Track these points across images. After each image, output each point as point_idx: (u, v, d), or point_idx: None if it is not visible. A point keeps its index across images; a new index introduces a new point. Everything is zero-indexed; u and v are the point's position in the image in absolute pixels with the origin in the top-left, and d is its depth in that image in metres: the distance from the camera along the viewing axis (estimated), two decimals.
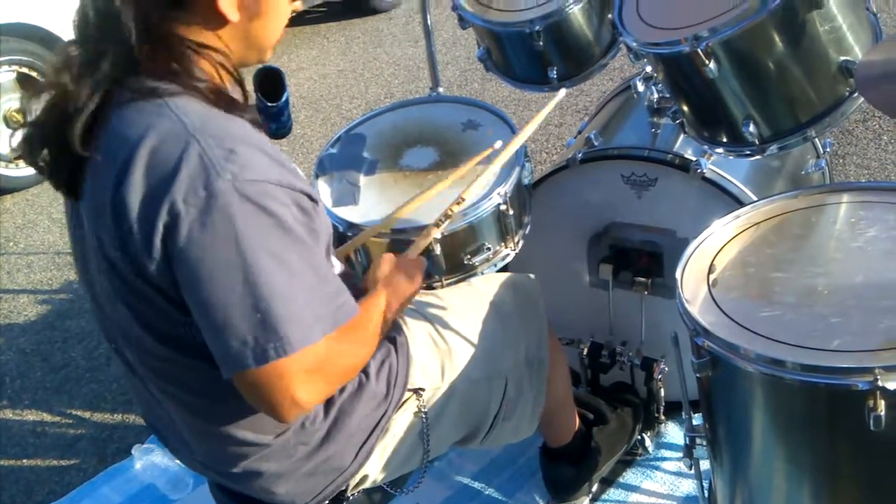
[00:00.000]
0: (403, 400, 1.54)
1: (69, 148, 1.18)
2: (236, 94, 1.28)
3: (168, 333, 1.25)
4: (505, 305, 1.75)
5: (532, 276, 1.90)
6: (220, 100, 1.21)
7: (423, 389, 1.56)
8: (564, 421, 2.05)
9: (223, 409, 1.34)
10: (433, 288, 1.85)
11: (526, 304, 1.81)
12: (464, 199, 1.72)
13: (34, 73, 4.68)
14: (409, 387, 1.54)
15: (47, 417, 2.91)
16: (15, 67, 4.64)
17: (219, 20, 1.22)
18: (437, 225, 1.68)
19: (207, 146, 1.13)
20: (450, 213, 1.70)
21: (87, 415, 2.88)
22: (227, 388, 1.24)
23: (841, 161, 3.50)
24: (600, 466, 2.11)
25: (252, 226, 1.13)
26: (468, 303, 1.73)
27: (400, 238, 1.79)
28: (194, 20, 1.22)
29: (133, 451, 2.51)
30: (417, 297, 1.67)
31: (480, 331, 1.67)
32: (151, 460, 2.44)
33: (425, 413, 1.56)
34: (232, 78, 1.27)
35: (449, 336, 1.64)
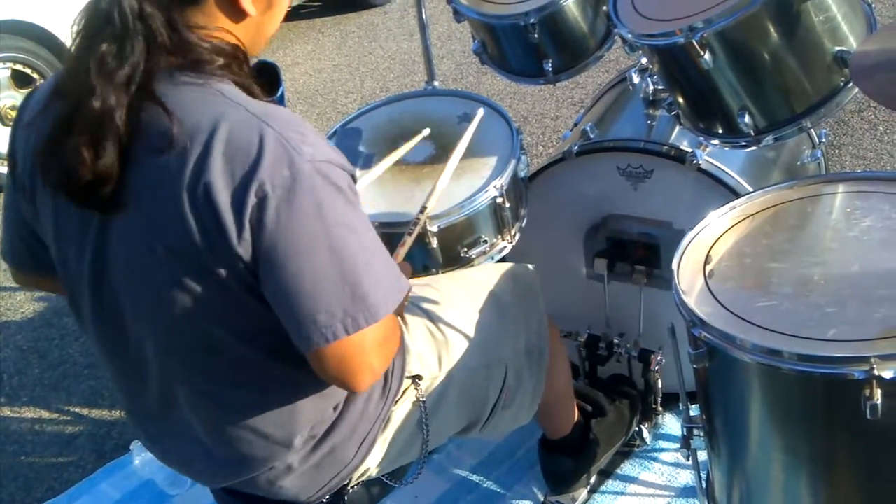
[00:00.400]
0: (402, 389, 1.54)
1: (108, 154, 1.17)
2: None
3: (237, 325, 1.27)
4: (504, 295, 1.76)
5: (531, 266, 1.91)
6: (246, 90, 1.24)
7: (420, 377, 1.57)
8: (564, 413, 2.06)
9: (262, 401, 1.36)
10: None
11: (525, 294, 1.81)
12: (426, 208, 1.76)
13: (29, 71, 4.67)
14: (406, 374, 1.55)
15: (45, 414, 2.91)
16: (10, 65, 4.62)
17: (238, 15, 1.25)
18: (409, 234, 1.72)
19: (282, 129, 1.17)
20: (417, 220, 1.74)
21: (85, 411, 2.88)
22: (274, 378, 1.32)
23: (837, 151, 3.50)
24: (599, 458, 2.12)
25: (332, 202, 1.18)
26: (465, 293, 1.73)
27: (389, 232, 1.80)
28: (214, 17, 1.23)
29: (132, 447, 2.51)
30: (413, 288, 1.68)
31: (478, 320, 1.68)
32: (150, 456, 2.43)
33: (423, 402, 1.57)
34: (247, 70, 1.28)
35: (445, 327, 1.64)
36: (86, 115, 1.16)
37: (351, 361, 1.25)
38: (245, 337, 1.29)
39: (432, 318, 1.65)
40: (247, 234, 1.16)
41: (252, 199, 1.14)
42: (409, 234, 1.72)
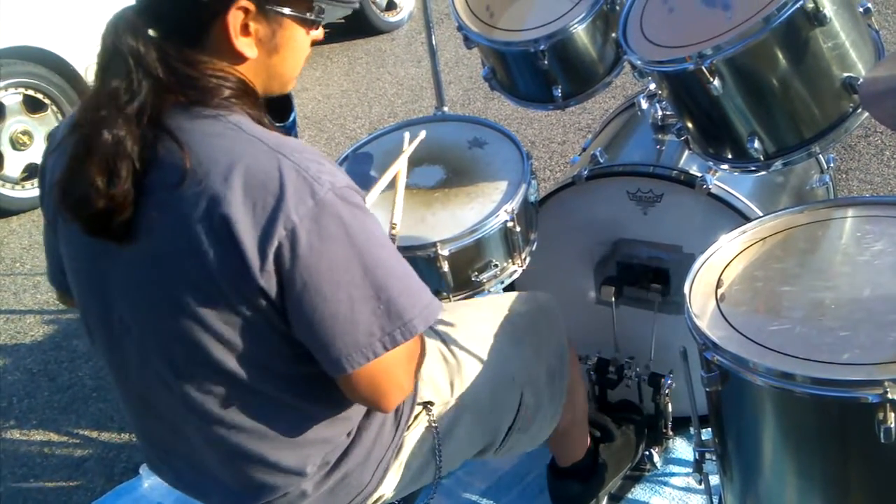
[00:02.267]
0: (415, 415, 1.55)
1: (122, 181, 1.18)
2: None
3: (249, 357, 1.27)
4: (519, 319, 1.76)
5: (549, 294, 1.91)
6: (260, 124, 1.25)
7: (432, 404, 1.57)
8: (578, 439, 2.05)
9: (273, 430, 1.36)
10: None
11: (542, 318, 1.81)
12: (395, 225, 1.77)
13: (41, 96, 4.72)
14: (418, 401, 1.55)
15: (54, 437, 2.91)
16: (21, 90, 4.66)
17: (238, 57, 1.26)
18: None
19: (298, 160, 1.19)
20: (392, 238, 1.76)
21: (94, 434, 2.89)
22: (285, 408, 1.33)
23: (844, 176, 3.51)
24: (607, 483, 2.11)
25: (359, 224, 1.21)
26: (479, 318, 1.74)
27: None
28: (215, 58, 1.25)
29: (141, 471, 2.51)
30: None
31: (492, 345, 1.68)
32: (159, 479, 2.43)
33: (436, 428, 1.57)
34: (256, 106, 1.29)
35: (458, 351, 1.64)
36: (99, 146, 1.18)
37: (383, 380, 1.28)
38: (257, 368, 1.29)
39: (446, 342, 1.65)
40: (270, 266, 1.17)
41: (281, 232, 1.15)
42: None
